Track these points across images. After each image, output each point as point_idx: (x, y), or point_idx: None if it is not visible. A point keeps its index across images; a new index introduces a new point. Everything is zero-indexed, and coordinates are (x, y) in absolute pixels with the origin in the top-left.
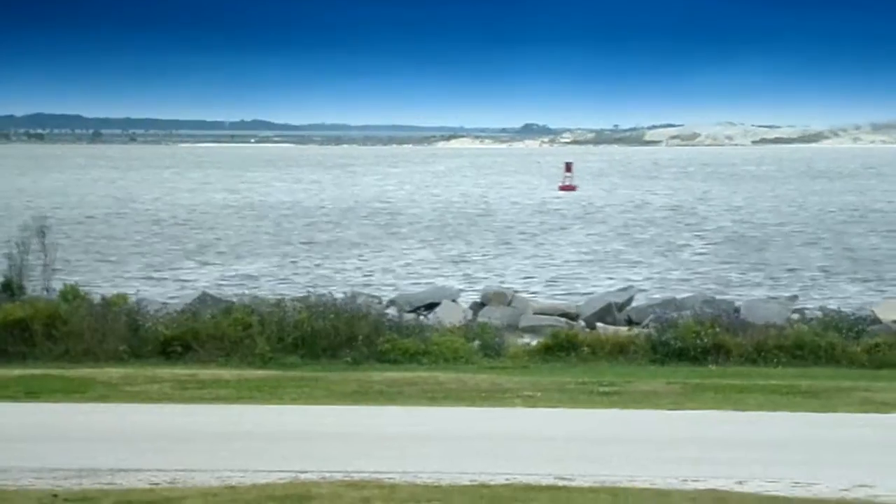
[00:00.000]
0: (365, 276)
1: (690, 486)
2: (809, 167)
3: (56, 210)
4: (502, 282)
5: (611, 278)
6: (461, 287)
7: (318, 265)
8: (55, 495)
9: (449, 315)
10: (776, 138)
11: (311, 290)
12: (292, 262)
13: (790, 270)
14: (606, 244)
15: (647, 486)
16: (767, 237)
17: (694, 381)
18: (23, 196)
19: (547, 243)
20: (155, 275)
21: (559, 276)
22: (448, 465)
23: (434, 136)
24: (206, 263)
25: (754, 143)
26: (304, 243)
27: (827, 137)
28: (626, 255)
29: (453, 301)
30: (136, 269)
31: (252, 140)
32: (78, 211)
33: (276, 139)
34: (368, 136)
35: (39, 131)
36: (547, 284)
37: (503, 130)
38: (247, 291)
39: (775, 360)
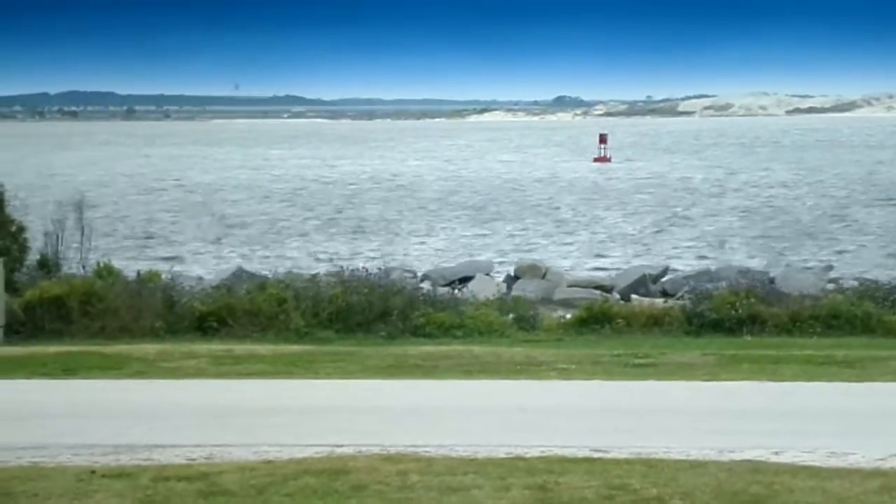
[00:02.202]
0: (398, 251)
1: (726, 456)
2: (837, 137)
3: (88, 187)
4: (536, 255)
5: (646, 250)
6: (495, 260)
7: (354, 240)
8: (93, 471)
9: (483, 288)
10: (810, 108)
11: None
12: (325, 238)
13: (825, 240)
14: (641, 216)
15: (682, 457)
16: (801, 207)
17: (729, 352)
18: (57, 173)
19: (581, 215)
20: (187, 253)
21: (593, 249)
22: (484, 438)
23: (466, 110)
24: (240, 242)
25: (788, 112)
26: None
27: (860, 106)
28: (660, 227)
29: (487, 275)
30: (169, 246)
31: (285, 115)
32: (111, 188)
33: (309, 114)
34: (401, 111)
35: (73, 108)
36: (581, 257)
37: (535, 103)
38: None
39: (811, 331)
